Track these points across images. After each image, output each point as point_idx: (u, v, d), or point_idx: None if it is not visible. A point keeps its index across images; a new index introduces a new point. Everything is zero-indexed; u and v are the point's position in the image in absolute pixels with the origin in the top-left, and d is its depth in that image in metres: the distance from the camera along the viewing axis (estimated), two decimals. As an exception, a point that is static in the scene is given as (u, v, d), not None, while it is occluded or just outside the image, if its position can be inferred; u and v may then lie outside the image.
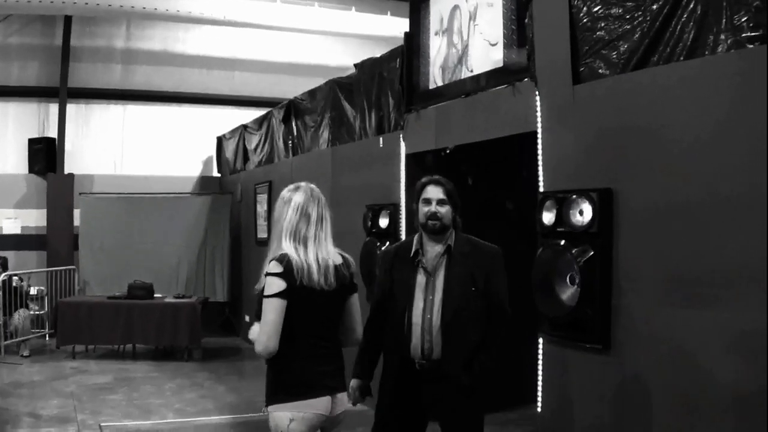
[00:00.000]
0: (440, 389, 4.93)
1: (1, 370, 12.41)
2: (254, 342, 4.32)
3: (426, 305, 4.99)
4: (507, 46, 7.12)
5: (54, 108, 17.10)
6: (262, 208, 14.67)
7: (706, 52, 4.89)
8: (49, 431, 8.91)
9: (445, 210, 5.04)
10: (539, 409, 6.32)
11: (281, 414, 4.29)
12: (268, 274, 4.28)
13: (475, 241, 5.15)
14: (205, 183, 18.30)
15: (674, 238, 4.96)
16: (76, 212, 16.31)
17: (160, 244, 15.90)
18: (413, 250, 5.14)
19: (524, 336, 6.50)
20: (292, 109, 13.28)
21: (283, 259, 4.30)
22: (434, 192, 5.08)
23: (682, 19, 5.06)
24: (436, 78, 8.41)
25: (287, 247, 4.37)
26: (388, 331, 5.17)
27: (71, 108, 17.25)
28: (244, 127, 16.34)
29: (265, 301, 4.25)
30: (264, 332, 4.23)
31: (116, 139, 17.75)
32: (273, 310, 4.23)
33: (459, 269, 5.00)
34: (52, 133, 17.07)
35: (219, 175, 18.43)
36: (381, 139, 9.48)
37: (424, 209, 5.08)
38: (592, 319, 5.58)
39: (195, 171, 18.45)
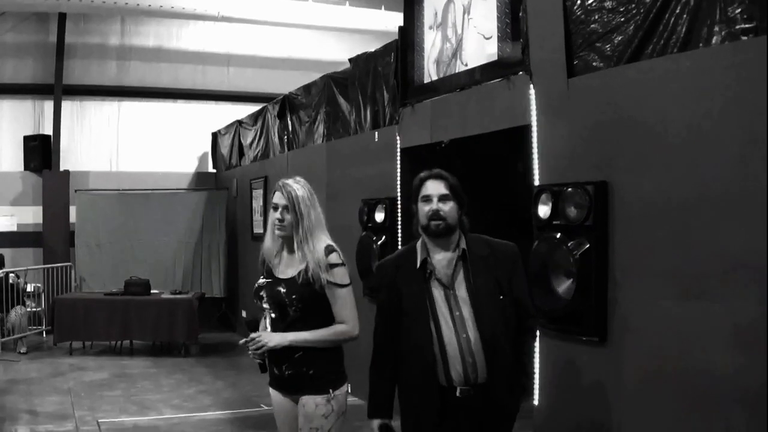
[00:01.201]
0: (483, 417, 4.28)
1: (-1, 368, 12.42)
2: (342, 333, 4.72)
3: (456, 323, 4.26)
4: (501, 39, 7.12)
5: (49, 105, 17.09)
6: (257, 203, 14.67)
7: (700, 44, 4.89)
8: (46, 428, 8.92)
9: (448, 207, 4.30)
10: (536, 402, 6.33)
11: (343, 396, 4.73)
12: (339, 265, 4.71)
13: (489, 240, 4.46)
14: (200, 179, 18.30)
15: (670, 230, 4.97)
16: (72, 209, 16.35)
17: (156, 240, 15.95)
18: (419, 259, 4.40)
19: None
20: (287, 104, 13.28)
21: (338, 251, 4.77)
22: (435, 187, 4.34)
23: (676, 12, 5.07)
24: (430, 72, 8.41)
25: (329, 238, 4.82)
26: (406, 358, 4.41)
27: (66, 105, 17.24)
28: (239, 122, 16.33)
29: (346, 290, 4.73)
30: (356, 317, 4.73)
31: (111, 136, 17.74)
32: (353, 297, 4.76)
33: (483, 277, 4.31)
34: (48, 130, 17.06)
35: (214, 170, 18.41)
36: (376, 133, 9.49)
37: (424, 208, 4.34)
38: (588, 312, 5.59)
39: (190, 167, 18.44)
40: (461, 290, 4.31)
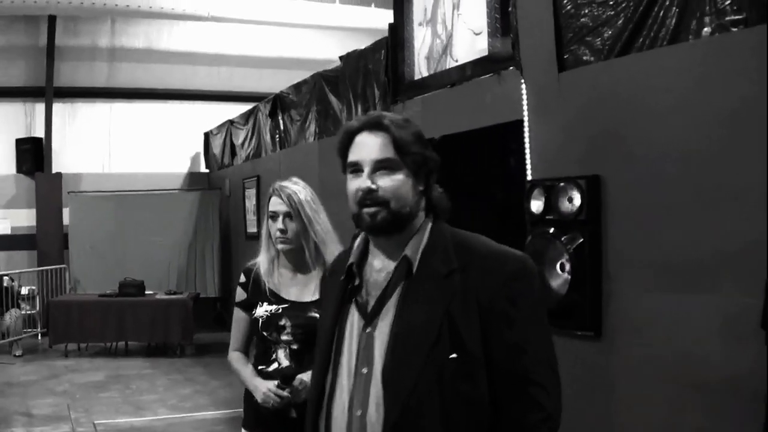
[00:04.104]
0: None
1: (-6, 371, 12.43)
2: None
3: (356, 387, 2.48)
4: (491, 35, 7.12)
5: (40, 108, 17.11)
6: (250, 203, 14.68)
7: (690, 37, 4.89)
8: (42, 430, 8.93)
9: (392, 182, 2.49)
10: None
11: None
12: None
13: (473, 243, 2.56)
14: (193, 179, 18.32)
15: (663, 223, 4.96)
16: (65, 211, 16.36)
17: (150, 241, 15.96)
18: (347, 263, 2.66)
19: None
20: (278, 103, 13.27)
21: None
22: (367, 147, 2.53)
23: (665, 4, 5.06)
24: (421, 68, 8.40)
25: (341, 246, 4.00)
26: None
27: (57, 107, 17.25)
28: (231, 122, 16.33)
29: None
30: None
31: (103, 138, 17.74)
32: None
33: (424, 312, 2.42)
34: (39, 132, 17.08)
35: (207, 170, 18.41)
36: (368, 131, 9.47)
37: (352, 186, 2.55)
38: (582, 307, 5.58)
39: (183, 167, 18.45)
40: (382, 328, 2.49)
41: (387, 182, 2.48)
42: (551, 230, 5.84)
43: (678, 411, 4.84)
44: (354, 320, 2.56)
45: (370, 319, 2.51)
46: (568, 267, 5.63)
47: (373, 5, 16.96)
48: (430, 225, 2.58)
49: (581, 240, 5.56)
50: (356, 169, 2.53)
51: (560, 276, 5.77)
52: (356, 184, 2.52)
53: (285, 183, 4.18)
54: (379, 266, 2.59)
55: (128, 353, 13.98)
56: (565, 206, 5.73)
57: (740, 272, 4.41)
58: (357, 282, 2.61)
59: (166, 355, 13.75)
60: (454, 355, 2.35)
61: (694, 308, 4.73)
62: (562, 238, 5.68)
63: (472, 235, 2.60)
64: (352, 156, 2.55)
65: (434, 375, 2.35)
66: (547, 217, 5.90)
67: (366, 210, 2.49)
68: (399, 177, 2.49)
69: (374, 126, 2.54)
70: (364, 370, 2.45)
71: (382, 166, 2.49)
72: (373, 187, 2.47)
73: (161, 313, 13.57)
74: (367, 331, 2.50)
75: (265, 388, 4.03)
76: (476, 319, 2.39)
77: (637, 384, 5.17)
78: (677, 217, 4.85)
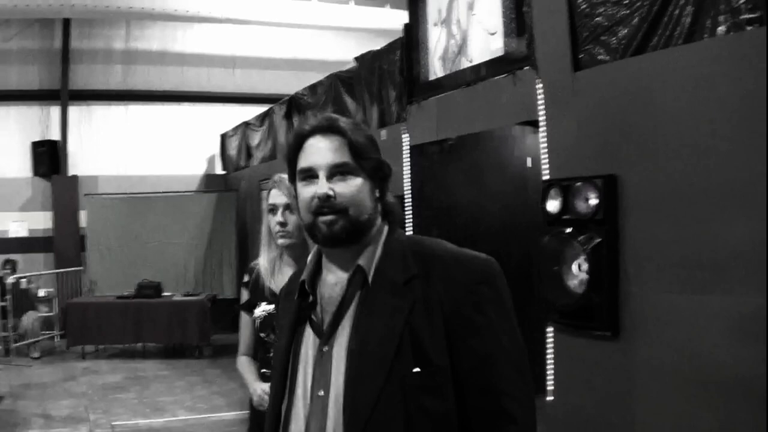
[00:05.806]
0: None
1: (12, 372, 12.48)
2: None
3: (313, 412, 2.27)
4: (506, 34, 7.11)
5: (56, 110, 17.20)
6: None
7: (705, 35, 4.88)
8: (61, 432, 8.96)
9: (350, 188, 2.32)
10: (550, 398, 6.33)
11: None
12: None
13: (434, 248, 2.37)
14: (210, 181, 18.35)
15: (681, 222, 4.95)
16: (82, 213, 16.42)
17: (167, 242, 15.98)
18: (300, 279, 2.46)
19: (530, 325, 6.48)
20: (293, 104, 13.30)
21: None
22: (323, 150, 2.35)
23: (680, 3, 5.06)
24: (436, 69, 8.40)
25: None
26: None
27: (73, 110, 17.33)
28: (246, 124, 16.35)
29: None
30: None
31: (119, 140, 17.78)
32: None
33: (380, 322, 2.23)
34: (55, 135, 17.17)
35: (224, 172, 18.45)
36: (383, 131, 9.49)
37: (306, 194, 2.35)
38: (600, 307, 5.57)
39: (199, 169, 18.49)
40: (339, 347, 2.29)
41: (345, 188, 2.30)
42: (568, 230, 5.83)
43: (694, 410, 4.83)
44: (310, 340, 2.35)
45: (326, 337, 2.30)
46: (585, 267, 5.62)
47: (387, 6, 16.96)
48: (385, 233, 2.41)
49: (598, 240, 5.55)
50: (310, 175, 2.34)
51: (577, 276, 5.76)
52: (311, 191, 2.32)
53: (285, 174, 3.99)
54: (334, 280, 2.38)
55: (146, 355, 14.02)
56: (582, 206, 5.72)
57: (758, 272, 4.40)
58: (311, 300, 2.41)
59: (184, 357, 13.79)
60: (417, 369, 2.16)
61: (713, 309, 4.71)
62: (579, 238, 5.67)
63: (433, 240, 2.43)
64: (305, 161, 2.37)
65: (397, 392, 2.15)
66: (563, 217, 5.89)
67: (322, 219, 2.30)
68: (357, 183, 2.32)
69: (328, 129, 2.36)
70: (321, 393, 2.25)
71: (338, 171, 2.31)
72: (331, 193, 2.29)
73: (178, 315, 13.61)
74: (324, 350, 2.29)
75: (260, 390, 3.94)
76: (441, 328, 2.20)
77: (654, 383, 5.15)
78: (694, 216, 4.84)
